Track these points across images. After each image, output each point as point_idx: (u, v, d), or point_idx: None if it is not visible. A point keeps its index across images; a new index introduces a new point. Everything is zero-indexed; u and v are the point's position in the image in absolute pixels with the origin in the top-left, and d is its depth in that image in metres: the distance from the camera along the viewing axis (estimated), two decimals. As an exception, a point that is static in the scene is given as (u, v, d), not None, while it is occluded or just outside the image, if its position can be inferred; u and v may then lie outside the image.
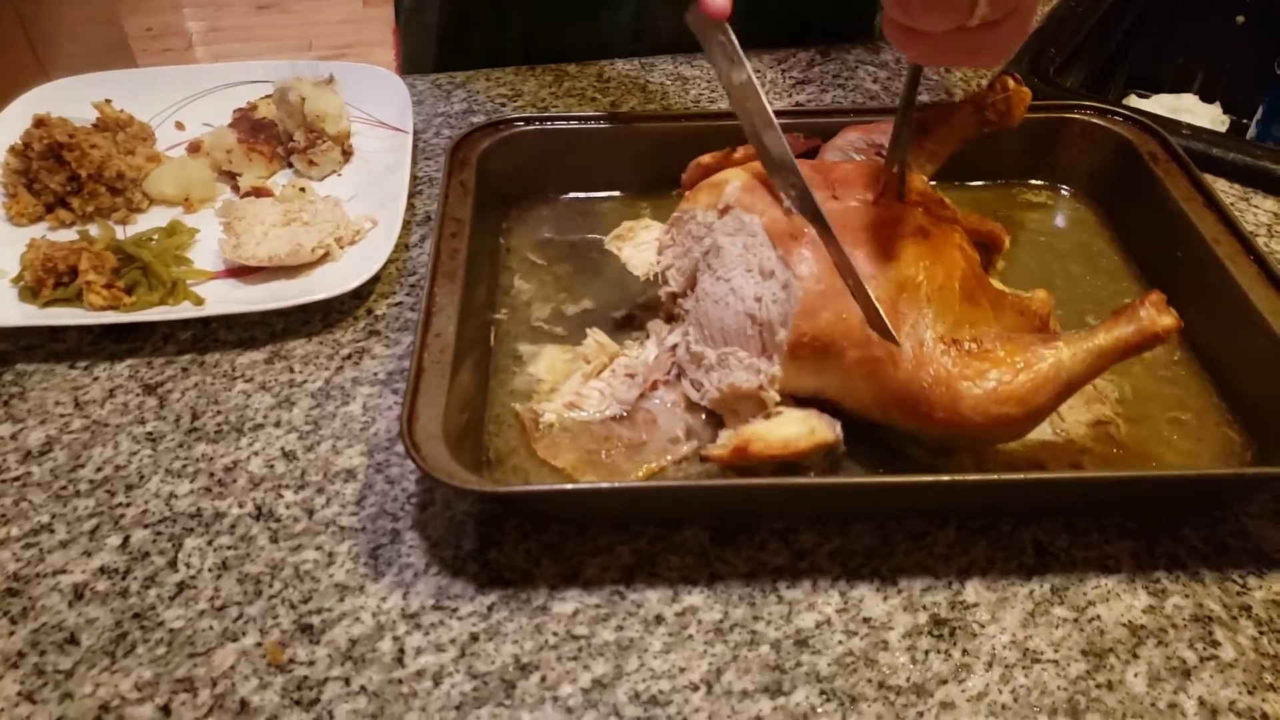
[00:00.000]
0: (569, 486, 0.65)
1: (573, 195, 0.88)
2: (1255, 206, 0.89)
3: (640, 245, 0.78)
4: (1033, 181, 0.90)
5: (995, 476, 0.64)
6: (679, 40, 1.07)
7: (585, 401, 0.70)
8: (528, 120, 0.86)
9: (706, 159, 0.75)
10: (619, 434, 0.68)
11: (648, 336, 0.74)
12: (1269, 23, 1.23)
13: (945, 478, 0.59)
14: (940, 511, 0.65)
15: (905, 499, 0.65)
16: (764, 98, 0.65)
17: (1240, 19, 1.25)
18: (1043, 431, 0.67)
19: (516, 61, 1.08)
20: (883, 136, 0.76)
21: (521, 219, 0.87)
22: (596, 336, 0.74)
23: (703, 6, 0.65)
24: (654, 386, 0.70)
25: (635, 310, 0.78)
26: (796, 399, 0.66)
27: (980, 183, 0.90)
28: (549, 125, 0.86)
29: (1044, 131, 0.88)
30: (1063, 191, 0.90)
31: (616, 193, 0.88)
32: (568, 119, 0.86)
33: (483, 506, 0.64)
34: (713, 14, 0.65)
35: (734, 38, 0.65)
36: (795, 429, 0.63)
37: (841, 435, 0.64)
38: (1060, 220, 0.88)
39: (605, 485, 0.65)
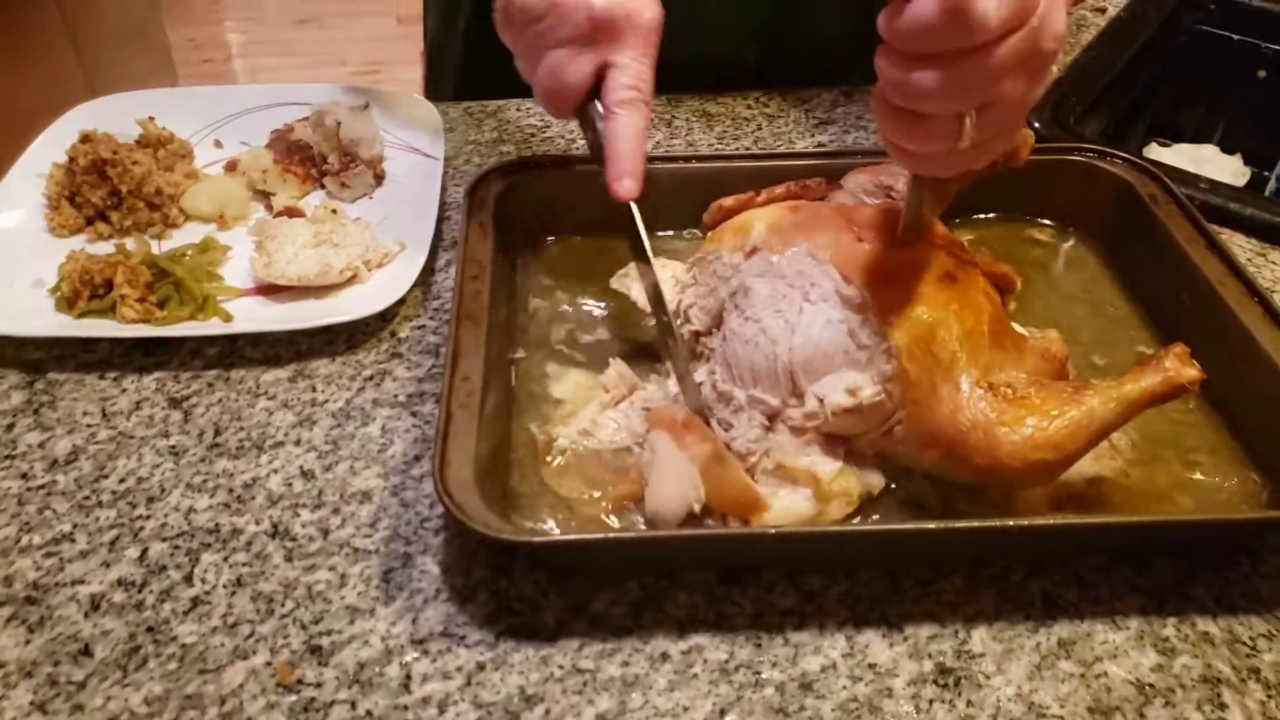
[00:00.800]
0: (593, 536, 0.65)
1: (590, 235, 0.89)
2: (1272, 262, 0.89)
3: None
4: (1037, 221, 0.91)
5: (1009, 523, 0.64)
6: (705, 77, 1.09)
7: (599, 430, 0.71)
8: (544, 161, 0.87)
9: (729, 201, 0.76)
10: (627, 466, 0.69)
11: (669, 374, 0.75)
12: (1290, 78, 1.23)
13: (959, 524, 0.61)
14: (949, 558, 0.65)
15: (913, 546, 0.65)
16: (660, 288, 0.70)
17: (1262, 73, 1.25)
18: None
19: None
20: (890, 178, 0.77)
21: (539, 258, 0.87)
22: (618, 367, 0.75)
23: (610, 190, 0.68)
24: None
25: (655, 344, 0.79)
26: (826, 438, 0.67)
27: (983, 216, 0.91)
28: (566, 167, 0.87)
29: (1045, 172, 0.88)
30: (1067, 231, 0.90)
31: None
32: (586, 161, 0.87)
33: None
34: (620, 198, 0.69)
35: (639, 221, 0.69)
36: (803, 509, 0.64)
37: (855, 502, 0.65)
38: (1063, 260, 0.88)
39: (612, 535, 0.65)
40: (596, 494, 0.67)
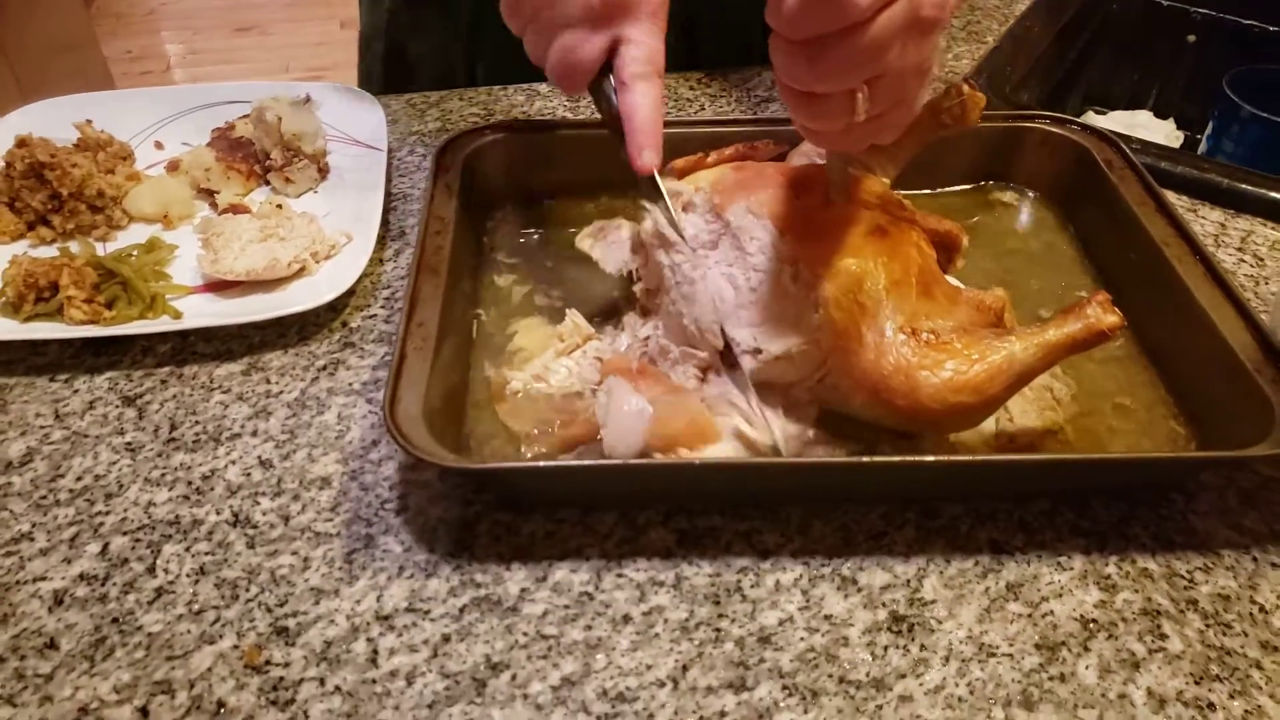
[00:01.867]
0: (537, 464, 0.67)
1: (557, 199, 0.92)
2: (1203, 218, 0.92)
3: (612, 244, 0.81)
4: (999, 185, 0.94)
5: (947, 459, 0.66)
6: None
7: (551, 375, 0.73)
8: (512, 126, 0.89)
9: (680, 163, 0.79)
10: (576, 410, 0.71)
11: (624, 328, 0.77)
12: (1218, 42, 1.27)
13: (894, 459, 0.64)
14: (885, 496, 0.68)
15: (852, 481, 0.67)
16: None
17: (1191, 38, 1.29)
18: (992, 426, 0.70)
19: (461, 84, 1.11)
20: None
21: (506, 220, 0.90)
22: (575, 318, 0.77)
23: (632, 163, 0.70)
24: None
25: (618, 303, 0.81)
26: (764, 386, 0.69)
27: (949, 189, 0.94)
28: (534, 131, 0.89)
29: (1006, 140, 0.92)
30: (1027, 195, 0.93)
31: (602, 197, 0.92)
32: (553, 126, 0.90)
33: (456, 511, 0.66)
34: (644, 172, 0.70)
35: (664, 187, 0.71)
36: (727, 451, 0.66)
37: (779, 444, 0.67)
38: (1022, 222, 0.91)
39: (568, 464, 0.68)
40: (548, 430, 0.70)
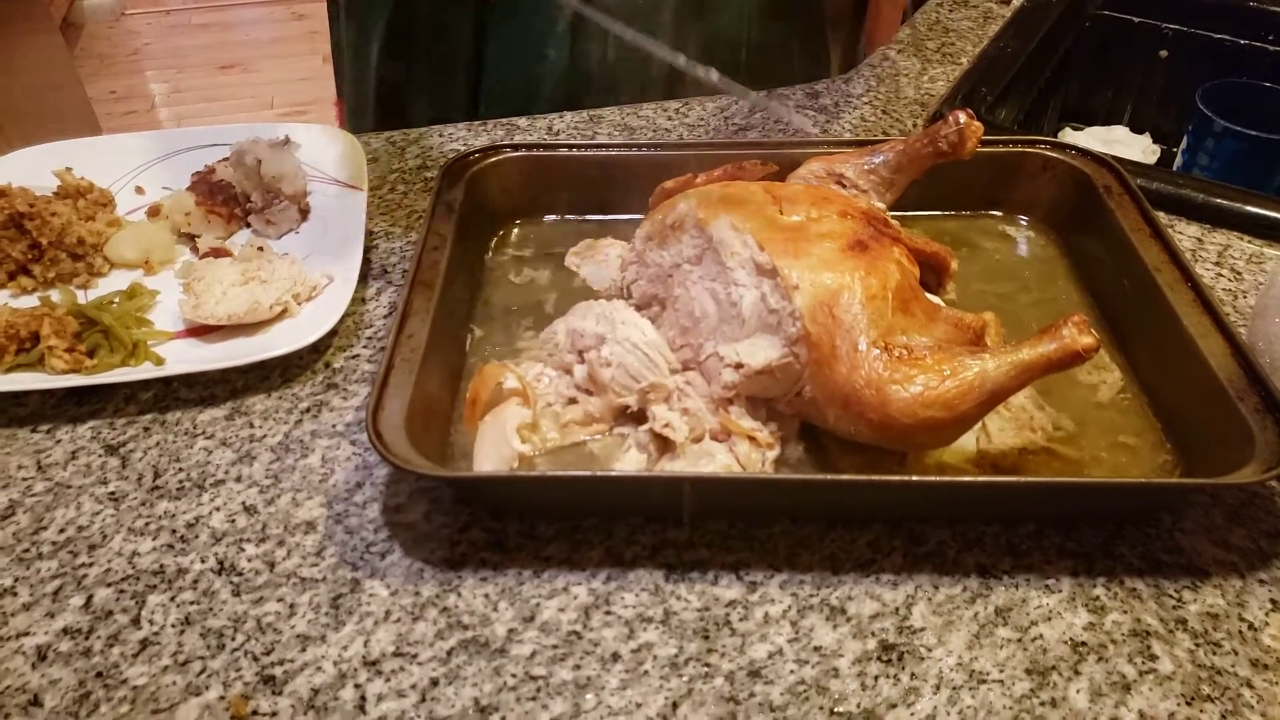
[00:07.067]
0: (517, 475, 0.68)
1: (556, 217, 0.94)
2: (1179, 233, 0.93)
3: (599, 262, 0.82)
4: (994, 213, 0.94)
5: (934, 479, 0.67)
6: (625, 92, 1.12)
7: (541, 380, 0.74)
8: (515, 147, 0.92)
9: (669, 184, 0.80)
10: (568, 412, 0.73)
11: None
12: (1189, 56, 1.28)
13: (877, 478, 0.65)
14: (872, 517, 0.68)
15: (844, 494, 0.68)
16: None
17: (1164, 53, 1.30)
18: (969, 441, 0.70)
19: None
20: (843, 166, 0.81)
21: (507, 238, 0.92)
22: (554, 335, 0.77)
23: None
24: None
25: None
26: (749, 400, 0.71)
27: (947, 213, 0.94)
28: (537, 152, 0.92)
29: (1006, 166, 0.92)
30: (1021, 222, 0.93)
31: (603, 215, 0.93)
32: (555, 146, 0.93)
33: (442, 552, 0.66)
34: None
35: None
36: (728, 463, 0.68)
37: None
38: (1019, 249, 0.91)
39: (544, 474, 0.69)
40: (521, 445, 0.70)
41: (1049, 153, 0.91)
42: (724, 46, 1.14)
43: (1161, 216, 0.94)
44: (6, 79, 2.46)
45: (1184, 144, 1.25)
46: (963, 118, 0.78)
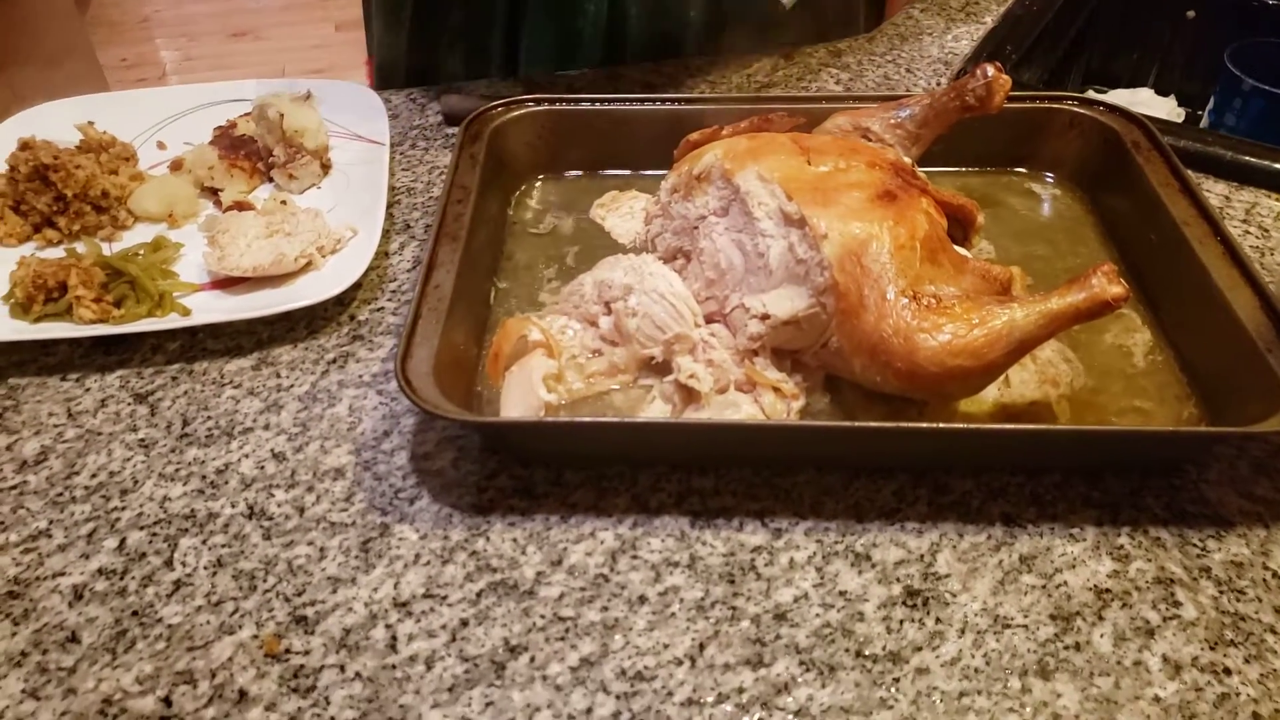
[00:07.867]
0: (545, 420, 0.68)
1: (579, 172, 0.94)
2: (1207, 190, 0.92)
3: (624, 215, 0.82)
4: (1019, 170, 0.94)
5: (961, 426, 0.67)
6: (646, 48, 1.11)
7: (565, 333, 0.74)
8: (538, 100, 0.91)
9: (694, 136, 0.80)
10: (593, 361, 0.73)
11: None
12: (1217, 16, 1.27)
13: (906, 424, 0.65)
14: (895, 464, 0.68)
15: (867, 443, 0.68)
16: None
17: (1191, 13, 1.29)
18: (990, 393, 0.70)
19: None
20: (870, 120, 0.81)
21: (529, 193, 0.92)
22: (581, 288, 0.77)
23: None
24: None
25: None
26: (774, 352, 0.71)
27: (974, 169, 0.94)
28: (559, 106, 0.91)
29: (1034, 121, 0.91)
30: (1047, 179, 0.93)
31: (624, 171, 0.93)
32: (576, 100, 0.92)
33: (470, 498, 0.66)
34: None
35: None
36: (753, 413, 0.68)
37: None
38: (1046, 205, 0.91)
39: (574, 420, 0.70)
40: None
41: (1076, 108, 0.90)
42: (756, 9, 1.13)
43: (1189, 174, 0.93)
44: (19, 46, 2.45)
45: (1210, 104, 1.24)
46: (991, 70, 0.78)
